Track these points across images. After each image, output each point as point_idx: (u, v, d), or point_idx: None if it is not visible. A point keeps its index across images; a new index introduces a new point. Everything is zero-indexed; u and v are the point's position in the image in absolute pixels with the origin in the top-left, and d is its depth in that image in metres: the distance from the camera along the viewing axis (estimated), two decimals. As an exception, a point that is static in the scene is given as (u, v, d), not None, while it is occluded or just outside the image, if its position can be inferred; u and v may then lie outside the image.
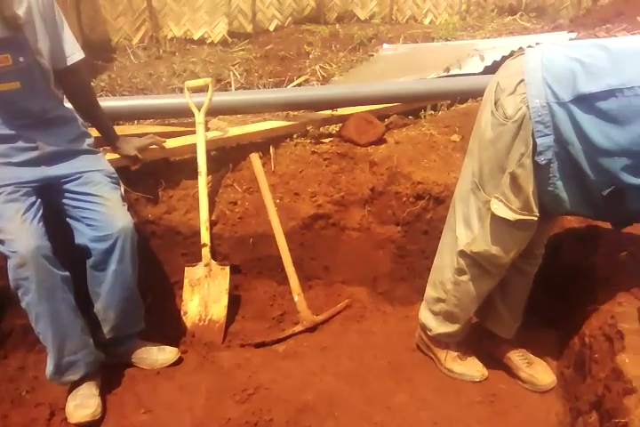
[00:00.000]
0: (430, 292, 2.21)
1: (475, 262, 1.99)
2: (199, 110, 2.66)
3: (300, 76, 4.74)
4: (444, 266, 2.11)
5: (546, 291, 2.33)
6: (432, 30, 5.71)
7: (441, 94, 3.19)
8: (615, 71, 1.59)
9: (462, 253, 2.00)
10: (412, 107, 3.24)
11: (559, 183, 1.76)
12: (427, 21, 6.25)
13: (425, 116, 3.21)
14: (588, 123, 1.62)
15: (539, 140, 1.69)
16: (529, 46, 3.92)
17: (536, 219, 1.83)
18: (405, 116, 3.21)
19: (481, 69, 3.58)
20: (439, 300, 2.16)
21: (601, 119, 1.61)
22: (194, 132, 2.68)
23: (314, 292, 2.73)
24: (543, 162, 1.72)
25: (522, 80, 1.69)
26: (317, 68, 4.83)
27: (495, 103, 1.77)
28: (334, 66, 4.87)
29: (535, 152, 1.71)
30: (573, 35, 4.65)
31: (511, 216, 1.82)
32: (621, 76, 1.57)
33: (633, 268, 2.02)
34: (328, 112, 3.03)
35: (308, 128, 2.95)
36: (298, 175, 2.77)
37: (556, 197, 1.78)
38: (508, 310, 2.18)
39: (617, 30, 4.85)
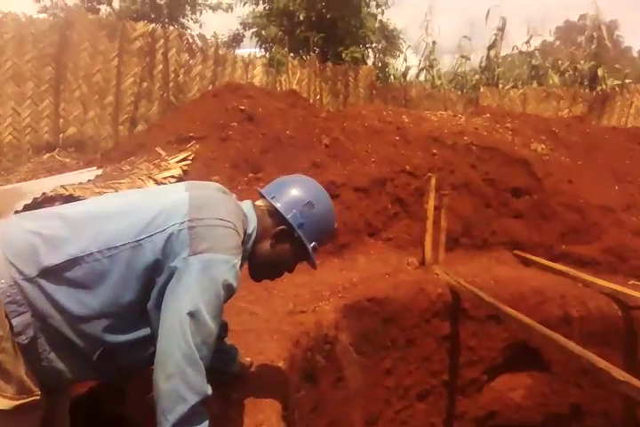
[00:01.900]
0: None
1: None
2: None
3: None
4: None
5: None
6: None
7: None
8: (74, 239, 1.66)
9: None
10: None
11: (52, 356, 1.71)
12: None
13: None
14: (61, 294, 1.64)
15: (14, 321, 1.62)
16: (53, 190, 3.98)
17: (39, 397, 1.74)
18: None
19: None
20: None
21: (72, 288, 1.65)
22: None
23: None
24: (25, 341, 1.65)
25: (-17, 261, 1.63)
26: None
27: None
28: None
29: (14, 333, 1.64)
30: (99, 171, 4.87)
31: (9, 405, 1.68)
32: (79, 244, 1.65)
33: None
34: None
35: None
36: None
37: (54, 369, 1.73)
38: None
39: (140, 161, 5.27)
